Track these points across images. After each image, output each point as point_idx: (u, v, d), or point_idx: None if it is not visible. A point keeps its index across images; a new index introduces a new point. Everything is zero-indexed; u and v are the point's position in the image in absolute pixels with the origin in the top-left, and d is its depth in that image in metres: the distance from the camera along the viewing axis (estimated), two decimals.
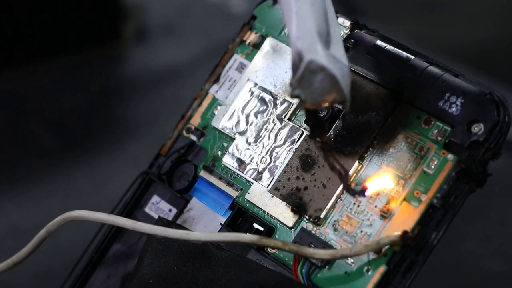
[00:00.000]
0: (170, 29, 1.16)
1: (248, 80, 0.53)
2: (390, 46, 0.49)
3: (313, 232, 0.47)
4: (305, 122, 0.49)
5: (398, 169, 0.46)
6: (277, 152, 0.50)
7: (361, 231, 0.46)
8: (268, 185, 0.50)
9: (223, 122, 0.53)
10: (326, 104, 0.44)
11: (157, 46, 1.15)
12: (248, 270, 0.46)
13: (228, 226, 0.50)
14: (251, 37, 0.54)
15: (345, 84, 0.43)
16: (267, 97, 0.52)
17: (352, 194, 0.46)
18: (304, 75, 0.42)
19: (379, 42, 0.49)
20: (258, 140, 0.51)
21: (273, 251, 0.48)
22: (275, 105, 0.51)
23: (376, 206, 0.46)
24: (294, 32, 0.43)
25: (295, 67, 0.43)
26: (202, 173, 0.52)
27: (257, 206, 0.50)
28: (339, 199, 0.47)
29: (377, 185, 0.47)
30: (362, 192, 0.46)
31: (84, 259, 0.54)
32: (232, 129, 0.52)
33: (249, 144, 0.51)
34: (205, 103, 0.54)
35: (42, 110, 1.04)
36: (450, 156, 0.45)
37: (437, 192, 0.45)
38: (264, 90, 0.52)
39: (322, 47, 0.43)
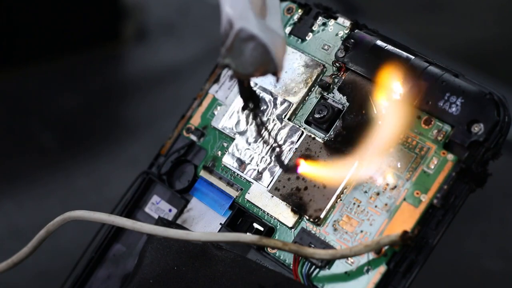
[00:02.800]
0: (170, 29, 1.16)
1: None
2: (390, 46, 0.49)
3: (313, 232, 0.47)
4: (239, 94, 0.47)
5: (398, 169, 0.46)
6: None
7: (361, 231, 0.46)
8: (268, 185, 0.50)
9: (223, 122, 0.53)
10: (258, 75, 0.43)
11: (157, 46, 1.15)
12: (248, 270, 0.46)
13: (228, 226, 0.50)
14: None
15: (277, 55, 0.42)
16: (267, 97, 0.52)
17: (284, 170, 0.48)
18: (235, 43, 0.42)
19: (379, 42, 0.49)
20: (258, 140, 0.51)
21: (273, 251, 0.48)
22: (275, 105, 0.51)
23: (376, 206, 0.46)
24: None
25: (225, 35, 0.42)
26: (202, 173, 0.52)
27: (257, 206, 0.50)
28: (339, 199, 0.47)
29: (313, 170, 0.48)
30: (294, 168, 0.47)
31: (84, 259, 0.54)
32: (232, 129, 0.52)
33: (249, 144, 0.51)
34: (205, 103, 0.54)
35: (42, 110, 1.04)
36: (450, 156, 0.45)
37: (437, 192, 0.45)
38: (264, 90, 0.52)
39: (254, 16, 0.42)
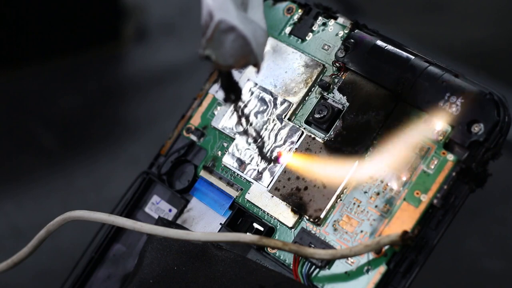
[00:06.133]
0: (170, 29, 1.16)
1: (248, 80, 0.53)
2: (390, 46, 0.49)
3: (313, 232, 0.47)
4: (220, 85, 0.46)
5: (398, 169, 0.46)
6: (277, 152, 0.50)
7: (361, 231, 0.46)
8: (268, 185, 0.50)
9: (223, 122, 0.53)
10: (238, 66, 0.43)
11: (157, 46, 1.15)
12: (248, 270, 0.46)
13: (228, 226, 0.50)
14: None
15: (257, 46, 0.42)
16: (267, 97, 0.52)
17: (267, 161, 0.49)
18: (215, 34, 0.42)
19: (379, 42, 0.49)
20: (258, 140, 0.51)
21: (273, 251, 0.48)
22: (275, 105, 0.51)
23: (376, 206, 0.46)
24: None
25: (206, 26, 0.42)
26: (202, 173, 0.52)
27: (257, 206, 0.50)
28: (339, 199, 0.47)
29: (296, 161, 0.49)
30: (275, 160, 0.48)
31: (84, 259, 0.54)
32: (232, 129, 0.52)
33: (249, 144, 0.51)
34: (205, 103, 0.54)
35: (42, 110, 1.04)
36: (450, 156, 0.45)
37: (437, 192, 0.45)
38: (264, 90, 0.52)
39: (235, 8, 0.42)
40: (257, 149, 0.50)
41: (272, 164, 0.50)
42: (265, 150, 0.50)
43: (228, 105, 0.45)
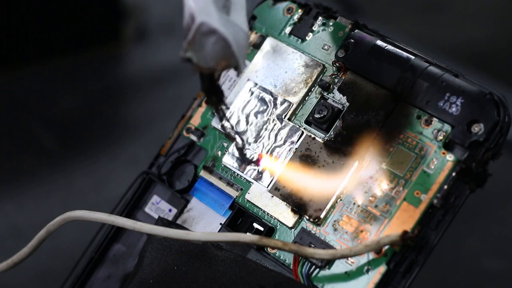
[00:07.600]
0: (170, 29, 1.16)
1: (248, 80, 0.52)
2: (390, 46, 0.49)
3: (313, 232, 0.47)
4: (201, 87, 0.46)
5: (398, 169, 0.46)
6: (277, 152, 0.50)
7: (361, 231, 0.46)
8: (268, 185, 0.50)
9: (223, 122, 0.52)
10: (220, 68, 0.43)
11: (157, 46, 1.15)
12: (248, 270, 0.46)
13: (228, 226, 0.50)
14: (251, 37, 0.54)
15: (238, 49, 0.42)
16: (267, 97, 0.52)
17: (246, 163, 0.50)
18: (196, 37, 0.42)
19: (379, 42, 0.49)
20: (258, 140, 0.51)
21: (273, 251, 0.48)
22: (275, 105, 0.51)
23: (376, 206, 0.46)
24: None
25: (187, 28, 0.42)
26: (202, 173, 0.52)
27: (257, 206, 0.50)
28: (339, 199, 0.47)
29: (271, 164, 0.49)
30: (256, 162, 0.49)
31: (84, 259, 0.54)
32: (232, 129, 0.52)
33: (249, 144, 0.51)
34: (205, 103, 0.54)
35: (42, 110, 1.04)
36: (450, 156, 0.45)
37: (437, 192, 0.45)
38: (264, 90, 0.52)
39: (216, 10, 0.42)
40: (237, 150, 0.50)
41: (252, 165, 0.50)
42: (245, 151, 0.50)
43: (210, 107, 0.45)
